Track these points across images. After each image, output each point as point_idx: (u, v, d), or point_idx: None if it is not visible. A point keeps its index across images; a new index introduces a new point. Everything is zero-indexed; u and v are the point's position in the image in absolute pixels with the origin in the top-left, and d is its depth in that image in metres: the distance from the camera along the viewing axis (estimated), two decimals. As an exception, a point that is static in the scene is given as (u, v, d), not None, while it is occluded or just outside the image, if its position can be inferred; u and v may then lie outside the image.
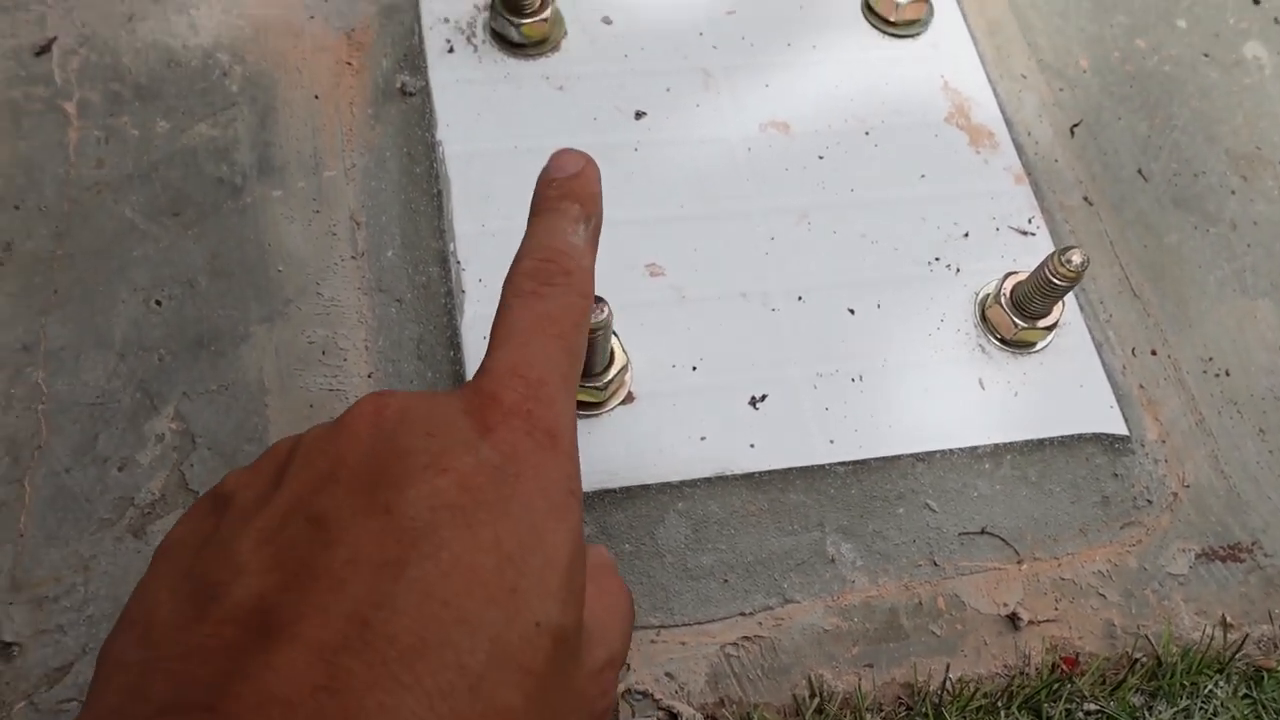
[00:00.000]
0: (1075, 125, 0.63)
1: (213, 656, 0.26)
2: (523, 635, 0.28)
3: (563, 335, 0.34)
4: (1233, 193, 0.63)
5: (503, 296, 0.35)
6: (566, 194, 0.37)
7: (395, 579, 0.27)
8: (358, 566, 0.27)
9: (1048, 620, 0.50)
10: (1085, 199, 0.61)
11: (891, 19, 0.63)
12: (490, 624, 0.27)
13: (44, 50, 0.56)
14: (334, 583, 0.27)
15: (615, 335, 0.49)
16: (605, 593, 0.36)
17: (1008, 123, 0.62)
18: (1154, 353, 0.57)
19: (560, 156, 0.39)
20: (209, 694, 0.25)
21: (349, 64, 0.59)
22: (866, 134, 0.59)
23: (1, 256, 0.51)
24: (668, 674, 0.46)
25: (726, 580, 0.48)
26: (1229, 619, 0.51)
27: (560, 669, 0.29)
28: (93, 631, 0.44)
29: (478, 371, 0.33)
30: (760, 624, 0.48)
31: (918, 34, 0.63)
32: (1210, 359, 0.57)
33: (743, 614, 0.48)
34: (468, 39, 0.59)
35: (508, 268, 0.52)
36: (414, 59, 0.59)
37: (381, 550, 0.27)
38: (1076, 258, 0.49)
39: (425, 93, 0.57)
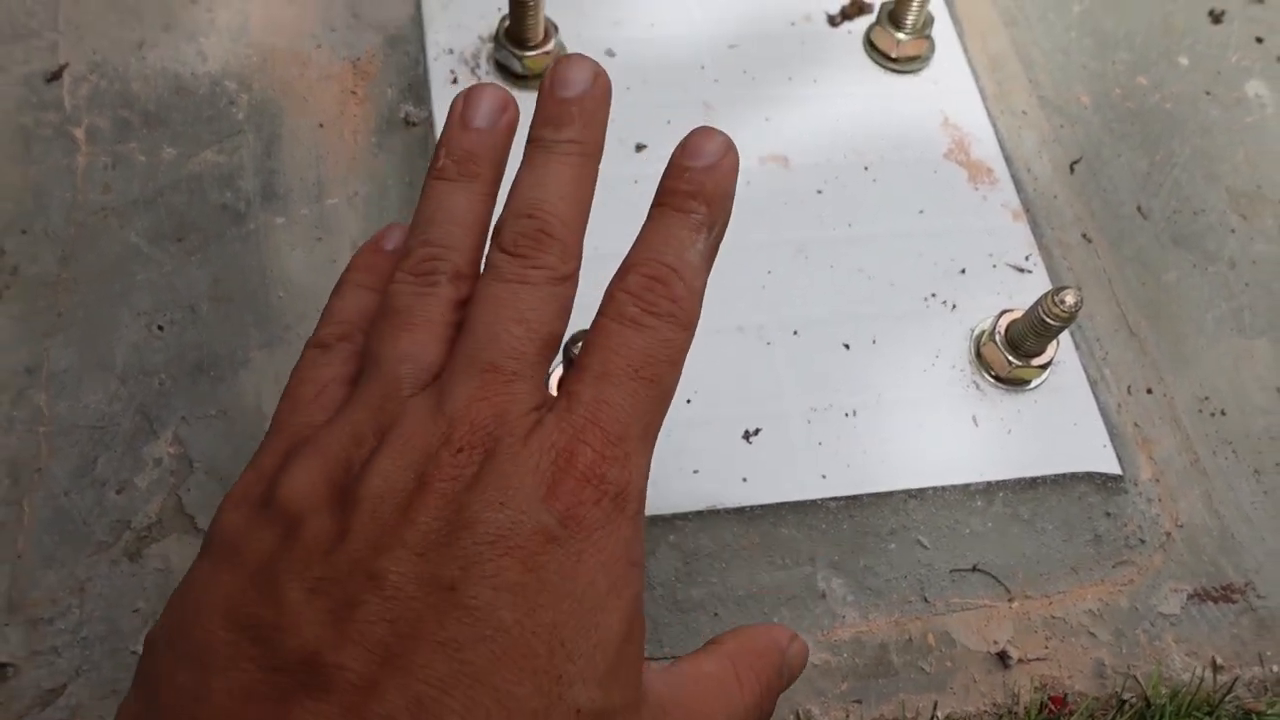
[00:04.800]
0: (1075, 162, 0.64)
1: (266, 703, 0.26)
2: None
3: (657, 379, 0.32)
4: (1232, 231, 0.63)
5: (602, 308, 0.33)
6: (696, 191, 0.34)
7: (450, 660, 0.27)
8: (418, 642, 0.27)
9: (1037, 659, 0.50)
10: (1084, 236, 0.61)
11: (893, 55, 0.63)
12: (532, 713, 0.27)
13: (55, 77, 0.57)
14: (389, 655, 0.27)
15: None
16: (730, 680, 0.34)
17: (1007, 159, 0.62)
18: (1149, 391, 0.57)
19: (700, 135, 0.35)
20: None
21: (354, 93, 0.59)
22: (865, 169, 0.60)
23: (8, 280, 0.51)
24: (656, 707, 0.46)
25: (716, 614, 0.48)
26: (1219, 661, 0.51)
27: None
28: (86, 654, 0.44)
29: (563, 392, 0.32)
30: (749, 658, 0.48)
31: (919, 70, 0.64)
32: (1206, 398, 0.57)
33: (732, 648, 0.48)
34: (471, 70, 0.60)
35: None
36: (418, 89, 0.60)
37: (441, 628, 0.27)
38: (1070, 298, 0.49)
39: (428, 123, 0.58)
